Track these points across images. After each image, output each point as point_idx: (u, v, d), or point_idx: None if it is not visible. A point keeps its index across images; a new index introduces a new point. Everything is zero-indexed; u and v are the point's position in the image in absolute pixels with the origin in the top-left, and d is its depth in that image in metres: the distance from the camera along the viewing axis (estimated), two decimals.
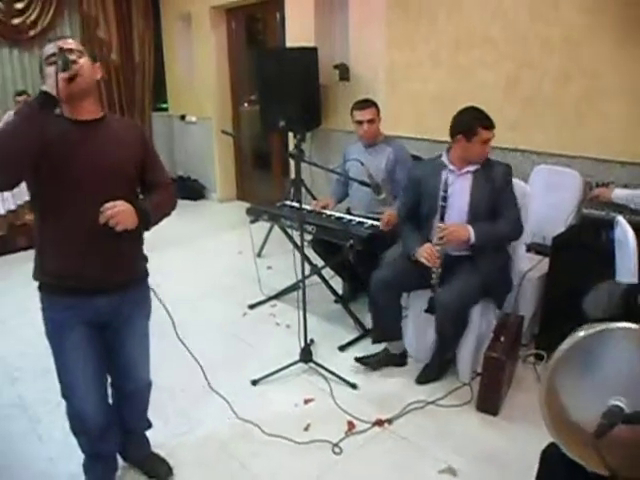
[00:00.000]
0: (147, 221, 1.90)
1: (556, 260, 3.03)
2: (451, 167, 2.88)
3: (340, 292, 3.87)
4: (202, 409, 2.79)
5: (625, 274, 2.34)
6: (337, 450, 2.49)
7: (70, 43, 1.81)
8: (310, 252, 3.65)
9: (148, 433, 2.43)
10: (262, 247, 4.82)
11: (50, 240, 1.88)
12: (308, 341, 3.06)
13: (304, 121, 4.74)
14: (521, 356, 3.11)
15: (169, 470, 2.36)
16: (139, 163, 1.97)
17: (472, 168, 2.84)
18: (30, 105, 1.67)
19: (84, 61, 1.79)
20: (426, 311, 2.86)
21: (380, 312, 3.00)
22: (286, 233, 3.69)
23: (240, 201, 6.87)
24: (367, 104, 3.52)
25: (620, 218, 2.41)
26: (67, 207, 1.82)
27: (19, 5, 6.43)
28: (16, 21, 6.44)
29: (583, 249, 2.89)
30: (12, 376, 3.11)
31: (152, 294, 2.17)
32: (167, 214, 2.08)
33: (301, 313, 2.98)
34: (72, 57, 1.73)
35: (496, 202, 2.80)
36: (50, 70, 1.69)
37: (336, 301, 3.75)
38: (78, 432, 2.13)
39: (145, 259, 2.12)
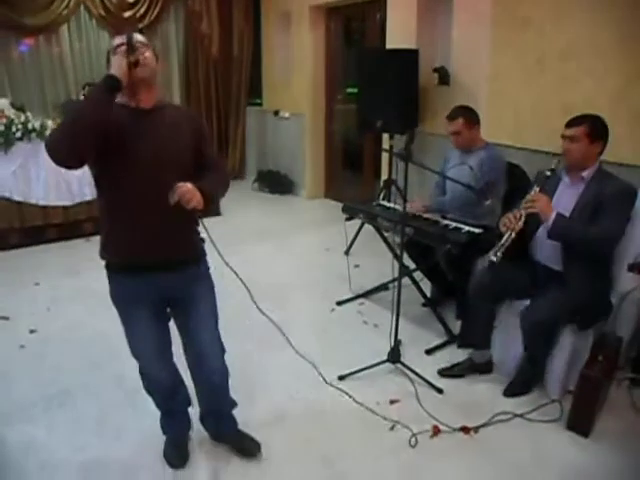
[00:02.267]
0: (209, 200, 2.00)
1: None
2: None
3: (428, 296, 3.87)
4: (283, 397, 2.90)
5: None
6: (418, 448, 2.53)
7: (138, 36, 1.92)
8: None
9: (236, 412, 2.54)
10: (350, 246, 4.87)
11: (113, 222, 2.03)
12: (397, 341, 3.08)
13: (401, 123, 4.74)
14: (616, 379, 3.01)
15: (257, 446, 2.48)
16: (195, 149, 2.08)
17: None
18: (97, 88, 1.81)
19: (149, 54, 1.91)
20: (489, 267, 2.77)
21: (473, 317, 3.00)
22: (380, 234, 3.73)
23: (328, 199, 6.97)
24: (454, 116, 3.51)
25: None
26: (128, 190, 1.95)
27: None
28: (127, 14, 6.80)
29: None
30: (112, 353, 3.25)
31: (229, 271, 2.27)
32: (222, 194, 2.22)
33: (393, 313, 3.02)
34: (138, 45, 1.86)
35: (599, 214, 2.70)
36: (116, 57, 1.82)
37: (424, 304, 3.76)
38: (150, 391, 2.35)
39: (202, 240, 2.22)
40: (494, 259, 2.71)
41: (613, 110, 3.30)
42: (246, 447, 2.48)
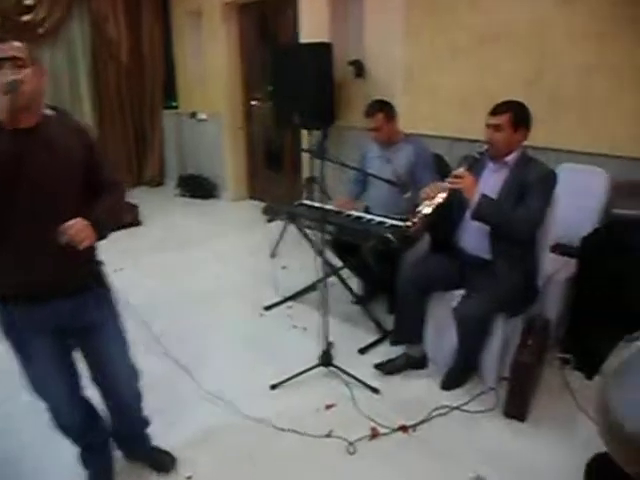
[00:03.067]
0: (103, 233, 1.84)
1: (585, 262, 2.94)
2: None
3: (359, 293, 3.79)
4: (211, 412, 2.74)
5: None
6: (357, 455, 2.43)
7: (15, 48, 1.69)
8: (327, 252, 3.58)
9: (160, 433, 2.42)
10: (276, 247, 4.73)
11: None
12: (328, 343, 2.98)
13: (318, 118, 4.65)
14: (548, 360, 3.02)
15: (173, 460, 2.38)
16: (86, 168, 1.88)
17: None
18: None
19: (27, 73, 1.68)
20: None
21: (404, 313, 2.93)
22: (304, 234, 3.61)
23: (252, 200, 6.79)
24: (372, 111, 3.44)
25: None
26: (10, 221, 1.74)
27: (28, 1, 6.35)
28: (25, 18, 6.38)
29: (614, 251, 2.80)
30: None
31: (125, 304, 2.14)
32: (121, 219, 2.08)
33: (321, 315, 2.91)
34: (15, 77, 1.63)
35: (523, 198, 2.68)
36: None
37: (354, 302, 3.67)
38: (63, 430, 2.11)
39: (100, 262, 2.03)
40: (409, 225, 2.64)
41: (529, 94, 3.32)
42: (160, 462, 2.37)
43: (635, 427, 1.31)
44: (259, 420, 2.63)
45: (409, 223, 2.64)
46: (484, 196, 2.61)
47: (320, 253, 2.89)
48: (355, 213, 3.41)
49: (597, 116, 3.40)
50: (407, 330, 2.97)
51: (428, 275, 2.87)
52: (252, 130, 6.69)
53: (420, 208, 2.64)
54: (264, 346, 3.35)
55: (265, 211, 3.67)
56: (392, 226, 3.14)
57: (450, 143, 4.03)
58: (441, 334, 3.00)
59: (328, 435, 2.55)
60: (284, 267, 4.45)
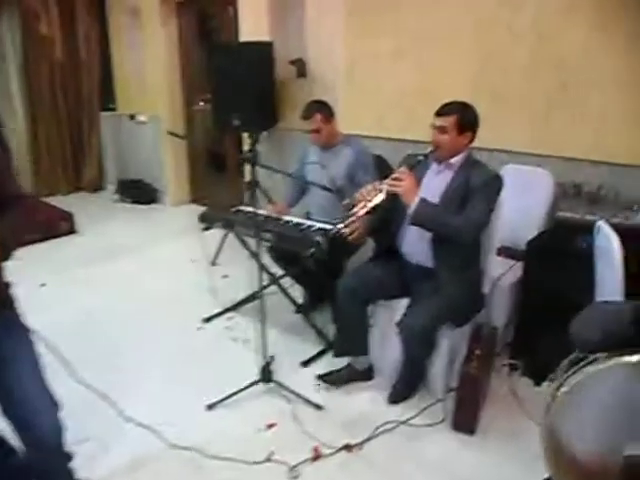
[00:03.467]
0: (6, 254, 1.67)
1: (531, 266, 2.87)
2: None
3: (301, 301, 3.64)
4: (139, 441, 2.52)
5: (608, 288, 2.18)
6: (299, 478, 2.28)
7: None
8: (269, 259, 3.42)
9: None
10: (217, 254, 4.53)
11: None
12: (268, 358, 2.82)
13: (259, 120, 4.49)
14: (495, 366, 2.93)
15: None
16: None
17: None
18: None
19: None
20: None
21: (345, 324, 2.78)
22: (242, 241, 3.43)
23: (194, 205, 6.54)
24: (310, 113, 3.29)
25: (602, 224, 2.25)
26: None
27: None
28: None
29: (559, 254, 2.74)
30: None
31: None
32: (23, 235, 1.88)
33: (261, 329, 2.74)
34: None
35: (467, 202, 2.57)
36: None
37: (296, 311, 3.51)
38: None
39: (7, 284, 1.83)
40: (341, 228, 2.50)
41: (472, 93, 3.24)
42: None
43: (581, 454, 1.23)
44: (191, 448, 2.43)
45: (341, 225, 2.48)
46: (423, 200, 2.47)
47: (258, 263, 2.72)
48: (294, 219, 3.25)
49: (541, 116, 3.35)
50: (350, 342, 2.82)
51: (369, 284, 2.73)
52: (193, 133, 6.46)
53: (355, 210, 2.48)
54: (201, 362, 3.15)
55: (201, 219, 3.46)
56: (327, 231, 2.99)
57: (393, 144, 3.93)
58: (387, 343, 2.88)
59: (268, 459, 2.39)
60: (225, 276, 4.25)
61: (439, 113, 2.59)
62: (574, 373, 1.25)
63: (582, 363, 1.33)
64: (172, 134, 2.94)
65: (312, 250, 2.76)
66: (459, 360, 2.67)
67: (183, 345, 3.34)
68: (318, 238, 2.83)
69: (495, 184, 2.58)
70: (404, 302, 2.71)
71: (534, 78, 3.33)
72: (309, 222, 3.19)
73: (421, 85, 3.81)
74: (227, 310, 3.70)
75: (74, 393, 2.56)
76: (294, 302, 3.41)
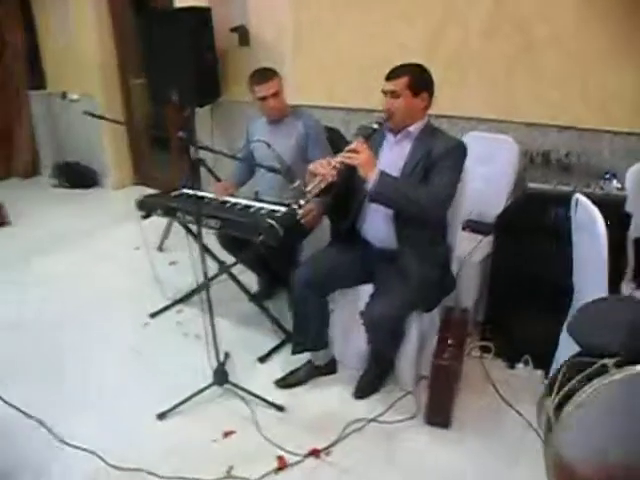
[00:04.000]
0: None
1: (501, 241, 2.68)
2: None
3: (255, 289, 3.38)
4: (77, 465, 2.22)
5: (591, 265, 2.00)
6: None
7: None
8: (217, 245, 3.14)
9: None
10: (163, 239, 4.20)
11: None
12: (222, 356, 2.55)
13: (200, 93, 4.14)
14: (466, 349, 2.75)
15: None
16: None
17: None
18: None
19: None
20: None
21: (303, 319, 2.52)
22: (187, 228, 3.12)
23: (139, 186, 6.14)
24: (268, 75, 2.98)
25: (580, 196, 2.06)
26: None
27: None
28: None
29: (531, 228, 2.55)
30: None
31: None
32: None
33: (211, 322, 2.47)
34: None
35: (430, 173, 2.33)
36: None
37: (250, 300, 3.23)
38: None
39: None
40: (295, 208, 2.19)
41: (428, 56, 2.99)
42: None
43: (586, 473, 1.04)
44: (140, 468, 2.15)
45: (295, 206, 2.20)
46: (383, 173, 2.21)
47: (208, 251, 2.43)
48: (242, 201, 2.96)
49: (502, 80, 3.13)
50: (308, 337, 2.56)
51: (327, 275, 2.47)
52: (133, 110, 6.03)
53: (309, 188, 2.19)
54: (149, 365, 2.86)
55: (139, 206, 3.12)
56: (279, 213, 2.72)
57: (346, 114, 3.67)
58: (350, 333, 2.66)
59: (228, 474, 2.15)
60: (173, 263, 3.94)
61: (389, 77, 2.33)
62: (580, 384, 1.04)
63: (588, 371, 1.12)
64: (89, 114, 2.58)
65: (262, 236, 2.48)
66: (429, 347, 2.48)
67: (128, 346, 3.02)
68: (270, 222, 2.55)
69: (459, 152, 2.34)
70: (367, 288, 2.46)
71: (493, 39, 3.10)
72: (258, 204, 2.90)
73: (374, 50, 3.54)
74: (175, 303, 3.40)
75: (2, 413, 2.27)
76: (247, 291, 3.13)
